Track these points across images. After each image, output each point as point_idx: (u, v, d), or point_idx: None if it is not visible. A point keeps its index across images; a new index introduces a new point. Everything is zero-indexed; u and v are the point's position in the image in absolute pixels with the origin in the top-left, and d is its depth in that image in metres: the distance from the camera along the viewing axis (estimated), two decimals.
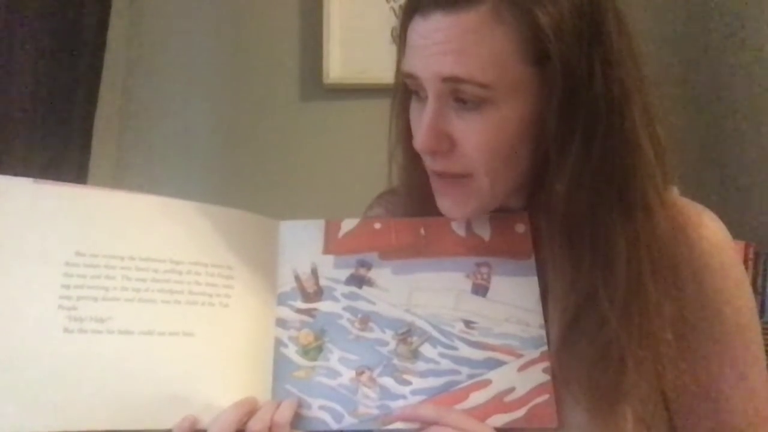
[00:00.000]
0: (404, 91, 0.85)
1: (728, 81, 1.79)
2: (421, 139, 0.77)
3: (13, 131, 1.58)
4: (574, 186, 0.76)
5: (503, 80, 0.73)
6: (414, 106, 0.82)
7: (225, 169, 1.94)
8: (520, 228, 0.86)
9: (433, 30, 0.74)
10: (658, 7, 1.90)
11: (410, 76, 0.78)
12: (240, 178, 1.93)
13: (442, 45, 0.74)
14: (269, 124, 1.93)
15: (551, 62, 0.73)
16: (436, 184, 0.82)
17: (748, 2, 1.74)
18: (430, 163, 0.81)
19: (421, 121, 0.77)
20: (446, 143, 0.77)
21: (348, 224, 0.87)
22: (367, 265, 0.84)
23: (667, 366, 0.77)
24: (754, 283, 1.60)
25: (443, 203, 0.83)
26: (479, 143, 0.76)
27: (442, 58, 0.74)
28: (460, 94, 0.75)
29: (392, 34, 1.86)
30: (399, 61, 0.84)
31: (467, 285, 0.83)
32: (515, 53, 0.73)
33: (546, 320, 0.81)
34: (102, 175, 1.86)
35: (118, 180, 1.93)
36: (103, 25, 1.80)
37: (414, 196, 0.91)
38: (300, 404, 0.77)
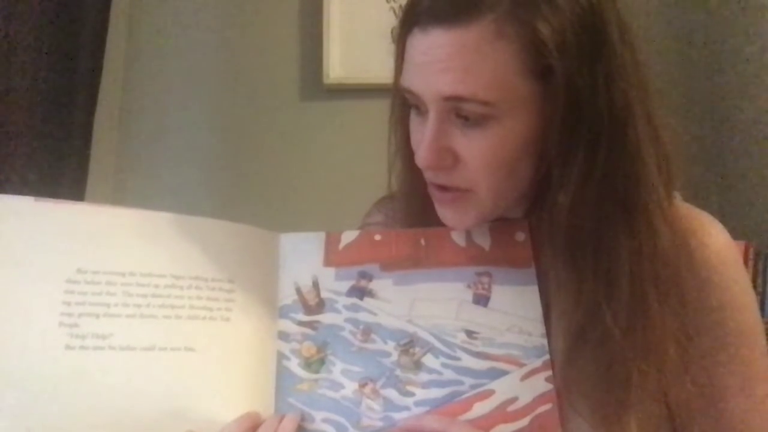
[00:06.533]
0: (403, 102, 0.84)
1: (728, 81, 1.79)
2: (423, 156, 0.76)
3: (13, 131, 1.58)
4: (578, 200, 0.76)
5: (506, 97, 0.73)
6: (414, 119, 0.81)
7: (225, 168, 1.94)
8: (520, 237, 0.86)
9: (434, 46, 0.73)
10: (658, 9, 1.90)
11: (410, 92, 0.77)
12: (240, 178, 1.94)
13: (443, 63, 0.72)
14: (269, 124, 1.93)
15: (554, 76, 0.72)
16: (436, 196, 0.82)
17: (749, 5, 1.73)
18: (432, 177, 0.80)
19: (423, 137, 0.76)
20: (449, 159, 0.77)
21: (348, 236, 0.87)
22: (368, 277, 0.84)
23: (671, 380, 0.77)
24: (753, 283, 1.60)
25: (444, 214, 0.83)
26: (483, 159, 0.75)
27: (444, 76, 0.72)
28: (462, 111, 0.74)
29: (393, 34, 1.86)
30: (396, 73, 0.83)
31: (468, 295, 0.83)
32: (517, 68, 0.72)
33: (549, 334, 0.81)
34: (102, 176, 1.86)
35: (118, 180, 1.93)
36: (103, 25, 1.80)
37: (413, 204, 0.91)
38: (303, 418, 0.77)
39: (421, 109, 0.78)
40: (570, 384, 0.78)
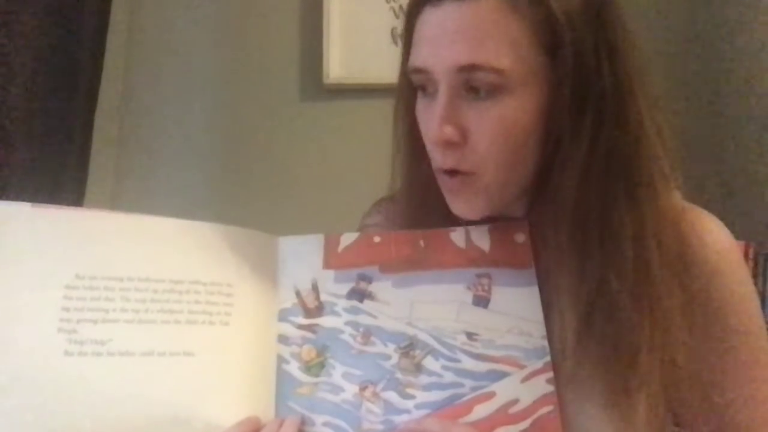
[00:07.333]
0: (408, 92, 0.85)
1: (728, 81, 1.79)
2: (434, 131, 0.76)
3: (12, 131, 1.57)
4: (585, 175, 0.76)
5: (518, 68, 0.74)
6: (421, 103, 0.82)
7: (225, 169, 1.95)
8: (520, 238, 0.85)
9: (447, 19, 0.74)
10: (659, 7, 1.89)
11: (421, 70, 0.78)
12: (240, 178, 1.94)
13: (456, 34, 0.74)
14: (269, 124, 1.94)
15: (562, 51, 0.73)
16: (446, 184, 0.81)
17: (749, 3, 1.73)
18: (441, 161, 0.79)
19: (434, 113, 0.77)
20: (459, 134, 0.76)
21: (347, 238, 0.87)
22: (367, 279, 0.84)
23: (677, 348, 0.77)
24: (754, 283, 1.60)
25: (456, 202, 0.82)
26: (493, 134, 0.76)
27: (458, 46, 0.73)
28: (474, 83, 0.75)
29: (393, 34, 1.86)
30: (404, 60, 0.84)
31: (468, 297, 0.83)
32: (528, 40, 0.74)
33: (550, 334, 0.80)
34: (102, 176, 1.86)
35: (118, 180, 1.93)
36: (103, 25, 1.80)
37: (414, 201, 0.91)
38: (304, 421, 0.77)
39: (429, 91, 0.79)
40: (583, 366, 0.77)
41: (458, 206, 0.82)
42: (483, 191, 0.80)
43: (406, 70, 0.82)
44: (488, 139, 0.76)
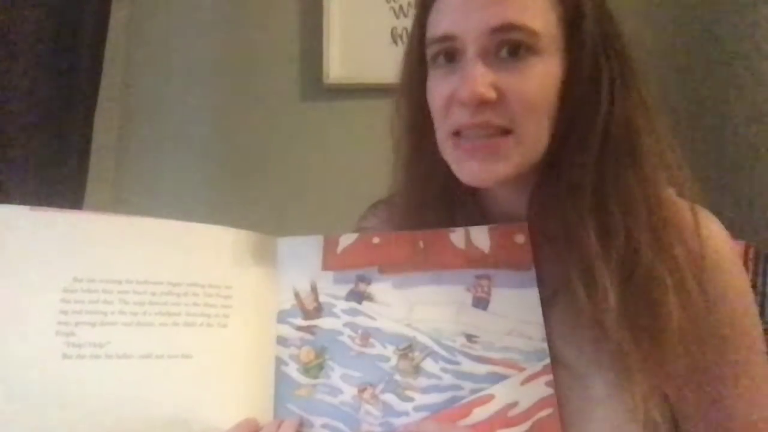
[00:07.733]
0: (419, 73, 0.85)
1: (728, 82, 1.78)
2: (470, 89, 0.76)
3: (13, 131, 1.58)
4: (602, 147, 0.79)
5: (547, 33, 0.77)
6: (439, 75, 0.82)
7: (225, 169, 1.95)
8: (520, 239, 0.85)
9: None
10: (660, 8, 1.89)
11: (447, 37, 0.79)
12: (240, 178, 1.94)
13: None
14: (269, 124, 1.94)
15: (582, 24, 0.78)
16: (462, 147, 0.80)
17: (749, 5, 1.73)
18: (470, 117, 0.78)
19: (464, 75, 0.77)
20: (493, 93, 0.76)
21: (346, 239, 0.86)
22: (366, 280, 0.84)
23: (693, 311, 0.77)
24: (754, 284, 1.59)
25: (470, 167, 0.80)
26: (527, 92, 0.77)
27: (493, 8, 0.76)
28: (506, 45, 0.76)
29: (393, 34, 1.86)
30: (417, 37, 0.85)
31: (468, 298, 0.82)
32: (553, 9, 0.77)
33: (549, 337, 0.80)
34: (102, 176, 1.86)
35: (118, 181, 1.93)
36: (103, 25, 1.80)
37: (413, 201, 0.91)
38: (302, 423, 0.77)
39: (452, 59, 0.80)
40: (623, 329, 0.77)
41: (474, 170, 0.80)
42: (507, 153, 0.78)
43: (414, 54, 0.85)
44: (522, 96, 0.77)
